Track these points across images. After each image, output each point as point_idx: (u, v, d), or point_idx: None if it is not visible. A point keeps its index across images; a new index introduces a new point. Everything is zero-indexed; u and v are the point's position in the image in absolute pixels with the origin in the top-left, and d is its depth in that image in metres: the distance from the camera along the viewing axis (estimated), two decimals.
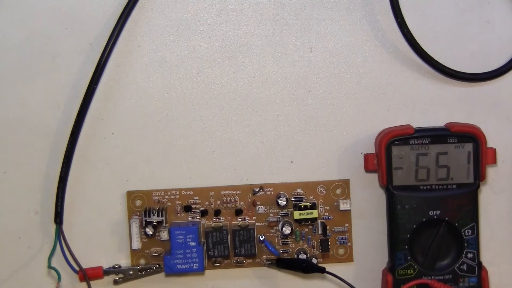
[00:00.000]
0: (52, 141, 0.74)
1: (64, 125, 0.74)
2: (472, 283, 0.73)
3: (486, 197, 0.76)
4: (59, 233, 0.74)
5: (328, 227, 0.75)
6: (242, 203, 0.75)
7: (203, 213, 0.75)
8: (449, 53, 0.75)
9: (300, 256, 0.75)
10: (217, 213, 0.75)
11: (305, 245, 0.76)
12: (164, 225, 0.74)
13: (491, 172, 0.76)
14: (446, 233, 0.73)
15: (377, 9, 0.75)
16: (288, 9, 0.75)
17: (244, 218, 0.75)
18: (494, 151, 0.73)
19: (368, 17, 0.75)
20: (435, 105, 0.76)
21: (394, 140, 0.72)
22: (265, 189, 0.75)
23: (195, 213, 0.75)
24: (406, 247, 0.73)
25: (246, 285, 0.77)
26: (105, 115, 0.75)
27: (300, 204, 0.74)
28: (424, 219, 0.72)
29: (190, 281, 0.77)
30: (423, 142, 0.72)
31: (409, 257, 0.73)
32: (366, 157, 0.74)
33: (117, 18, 0.73)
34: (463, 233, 0.73)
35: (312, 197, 0.75)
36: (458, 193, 0.73)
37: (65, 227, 0.74)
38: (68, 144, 0.73)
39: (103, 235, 0.76)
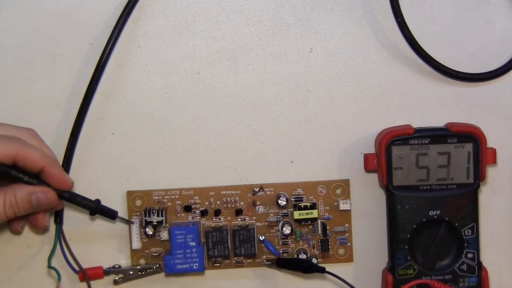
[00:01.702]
0: (52, 141, 0.74)
1: (64, 125, 0.74)
2: (472, 283, 0.73)
3: (486, 197, 0.76)
4: (59, 233, 0.74)
5: (328, 227, 0.75)
6: (242, 203, 0.75)
7: (203, 213, 0.75)
8: (449, 53, 0.75)
9: (300, 256, 0.75)
10: (217, 213, 0.75)
11: (305, 245, 0.76)
12: (164, 225, 0.74)
13: (491, 172, 0.76)
14: (446, 233, 0.73)
15: (377, 9, 0.75)
16: (288, 9, 0.75)
17: (244, 218, 0.75)
18: (494, 151, 0.74)
19: (368, 17, 0.75)
20: (435, 105, 0.76)
21: (394, 140, 0.72)
22: (265, 189, 0.75)
23: (195, 213, 0.75)
24: (406, 247, 0.73)
25: (246, 285, 0.77)
26: (105, 115, 0.75)
27: (300, 204, 0.74)
28: (424, 219, 0.72)
29: (190, 281, 0.77)
30: (423, 142, 0.72)
31: (409, 257, 0.73)
32: (366, 157, 0.74)
33: (117, 18, 0.73)
34: (463, 233, 0.73)
35: (312, 197, 0.75)
36: (458, 193, 0.73)
37: (65, 227, 0.74)
38: (68, 144, 0.73)
39: (103, 235, 0.76)
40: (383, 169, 0.72)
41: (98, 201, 0.71)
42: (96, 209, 0.71)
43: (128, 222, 0.74)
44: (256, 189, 0.75)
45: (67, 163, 0.73)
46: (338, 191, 0.75)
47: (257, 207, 0.75)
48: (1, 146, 0.64)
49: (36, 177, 0.67)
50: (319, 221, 0.75)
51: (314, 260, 0.75)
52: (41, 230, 0.74)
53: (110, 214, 0.73)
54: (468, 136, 0.72)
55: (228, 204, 0.75)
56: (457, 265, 0.73)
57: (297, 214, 0.74)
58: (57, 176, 0.67)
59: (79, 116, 0.73)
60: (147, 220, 0.74)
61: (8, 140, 0.65)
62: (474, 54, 0.75)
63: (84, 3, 0.74)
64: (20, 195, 0.66)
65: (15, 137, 0.66)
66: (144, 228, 0.74)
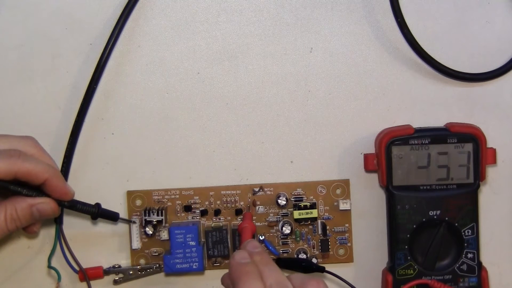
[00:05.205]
0: (52, 141, 0.74)
1: (64, 125, 0.74)
2: (472, 283, 0.73)
3: (486, 197, 0.76)
4: (59, 233, 0.74)
5: (328, 227, 0.75)
6: (242, 203, 0.75)
7: (203, 213, 0.75)
8: (449, 53, 0.75)
9: (300, 256, 0.75)
10: (217, 213, 0.75)
11: (305, 245, 0.76)
12: (164, 224, 0.74)
13: (491, 172, 0.76)
14: (446, 233, 0.73)
15: (377, 9, 0.75)
16: (288, 9, 0.75)
17: None
18: (494, 151, 0.74)
19: (368, 17, 0.75)
20: (435, 105, 0.76)
21: (394, 140, 0.72)
22: (265, 189, 0.75)
23: (195, 213, 0.75)
24: (406, 247, 0.73)
25: None
26: (105, 115, 0.75)
27: (300, 204, 0.74)
28: (424, 219, 0.72)
29: (190, 281, 0.77)
30: (423, 142, 0.72)
31: (409, 257, 0.73)
32: (366, 157, 0.74)
33: (117, 18, 0.73)
34: (463, 233, 0.73)
35: (312, 197, 0.75)
36: (458, 193, 0.73)
37: (65, 227, 0.74)
38: (68, 144, 0.73)
39: (103, 235, 0.76)
40: (383, 169, 0.72)
41: (98, 205, 0.72)
42: (97, 213, 0.71)
43: (130, 222, 0.74)
44: (256, 189, 0.75)
45: (67, 163, 0.73)
46: (338, 191, 0.75)
47: (257, 207, 0.75)
48: (1, 164, 0.63)
49: (34, 188, 0.67)
50: (319, 221, 0.75)
51: (314, 260, 0.75)
52: (31, 234, 0.75)
53: (112, 217, 0.73)
54: (468, 136, 0.72)
55: (228, 204, 0.75)
56: (457, 265, 0.73)
57: (297, 214, 0.74)
58: (59, 189, 0.67)
59: (79, 116, 0.73)
60: (147, 219, 0.74)
61: (8, 157, 0.64)
62: (474, 54, 0.75)
63: (84, 3, 0.74)
64: (20, 208, 0.66)
65: (15, 152, 0.65)
66: (144, 227, 0.74)
